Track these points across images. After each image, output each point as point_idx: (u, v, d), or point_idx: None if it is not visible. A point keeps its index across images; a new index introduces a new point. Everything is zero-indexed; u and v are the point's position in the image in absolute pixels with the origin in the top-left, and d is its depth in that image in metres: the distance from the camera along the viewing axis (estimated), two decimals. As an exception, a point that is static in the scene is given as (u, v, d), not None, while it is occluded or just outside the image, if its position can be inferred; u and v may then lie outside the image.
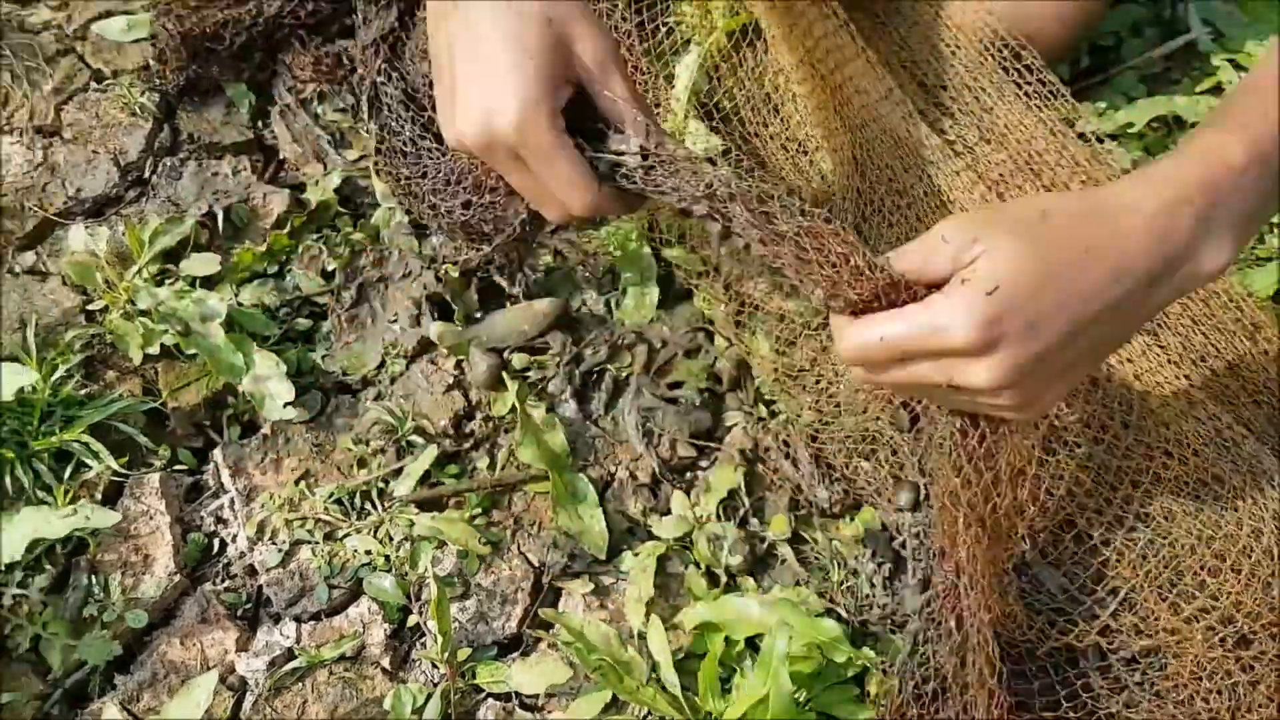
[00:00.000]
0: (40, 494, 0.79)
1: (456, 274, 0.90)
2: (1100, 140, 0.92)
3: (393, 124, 0.94)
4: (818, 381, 0.88)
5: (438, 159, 0.86)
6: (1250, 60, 1.02)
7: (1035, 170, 0.89)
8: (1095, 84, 1.05)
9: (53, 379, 0.81)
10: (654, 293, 0.92)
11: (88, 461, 0.80)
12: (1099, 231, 0.62)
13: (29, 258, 0.89)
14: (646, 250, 0.93)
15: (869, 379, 0.66)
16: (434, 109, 0.92)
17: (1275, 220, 0.92)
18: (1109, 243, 0.61)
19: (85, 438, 0.80)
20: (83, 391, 0.82)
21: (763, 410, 0.88)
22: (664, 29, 1.00)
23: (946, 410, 0.67)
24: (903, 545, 0.82)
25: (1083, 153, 0.91)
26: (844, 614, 0.79)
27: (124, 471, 0.80)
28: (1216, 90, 1.02)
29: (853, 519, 0.83)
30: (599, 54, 0.66)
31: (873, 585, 0.80)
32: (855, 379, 0.80)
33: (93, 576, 0.77)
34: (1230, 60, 1.02)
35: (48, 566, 0.77)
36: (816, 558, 0.82)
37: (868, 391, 0.84)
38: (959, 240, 0.60)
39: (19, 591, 0.75)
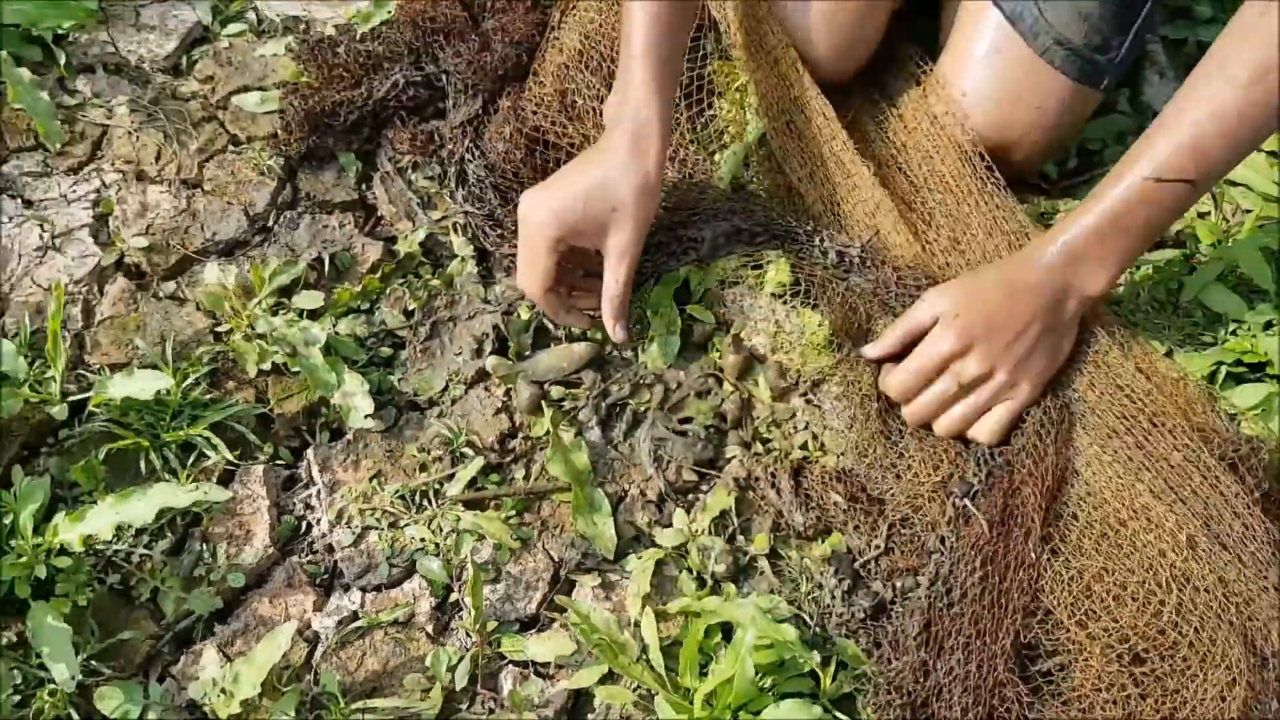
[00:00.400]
0: (167, 476, 0.99)
1: (526, 315, 1.09)
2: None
3: (475, 191, 1.14)
4: (806, 425, 1.04)
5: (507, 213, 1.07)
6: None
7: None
8: (1080, 183, 1.20)
9: (184, 385, 1.01)
10: (675, 342, 1.09)
11: (207, 452, 1.00)
12: (1014, 275, 0.98)
13: (170, 286, 1.10)
14: (673, 308, 1.10)
15: (915, 414, 1.00)
16: (510, 181, 1.13)
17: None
18: (1021, 281, 0.97)
19: (206, 433, 1.00)
20: (207, 396, 1.03)
21: (758, 446, 1.04)
22: (709, 119, 1.19)
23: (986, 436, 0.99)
24: (862, 566, 0.97)
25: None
26: (808, 620, 0.95)
27: (235, 462, 1.00)
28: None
29: (823, 542, 0.99)
30: (620, 248, 0.98)
31: (833, 598, 0.96)
32: (909, 420, 1.02)
33: (204, 544, 0.97)
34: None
35: (169, 534, 0.97)
36: (789, 572, 0.98)
37: (862, 439, 1.01)
38: (931, 300, 0.98)
39: (144, 552, 0.95)
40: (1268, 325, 1.06)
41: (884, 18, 1.14)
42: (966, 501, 0.96)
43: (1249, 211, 1.14)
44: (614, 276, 0.98)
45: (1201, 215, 1.15)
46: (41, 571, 0.91)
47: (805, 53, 1.11)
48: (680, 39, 1.01)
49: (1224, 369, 1.04)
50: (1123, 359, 1.01)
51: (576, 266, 1.05)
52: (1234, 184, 1.16)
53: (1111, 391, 1.00)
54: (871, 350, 1.02)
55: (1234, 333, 1.07)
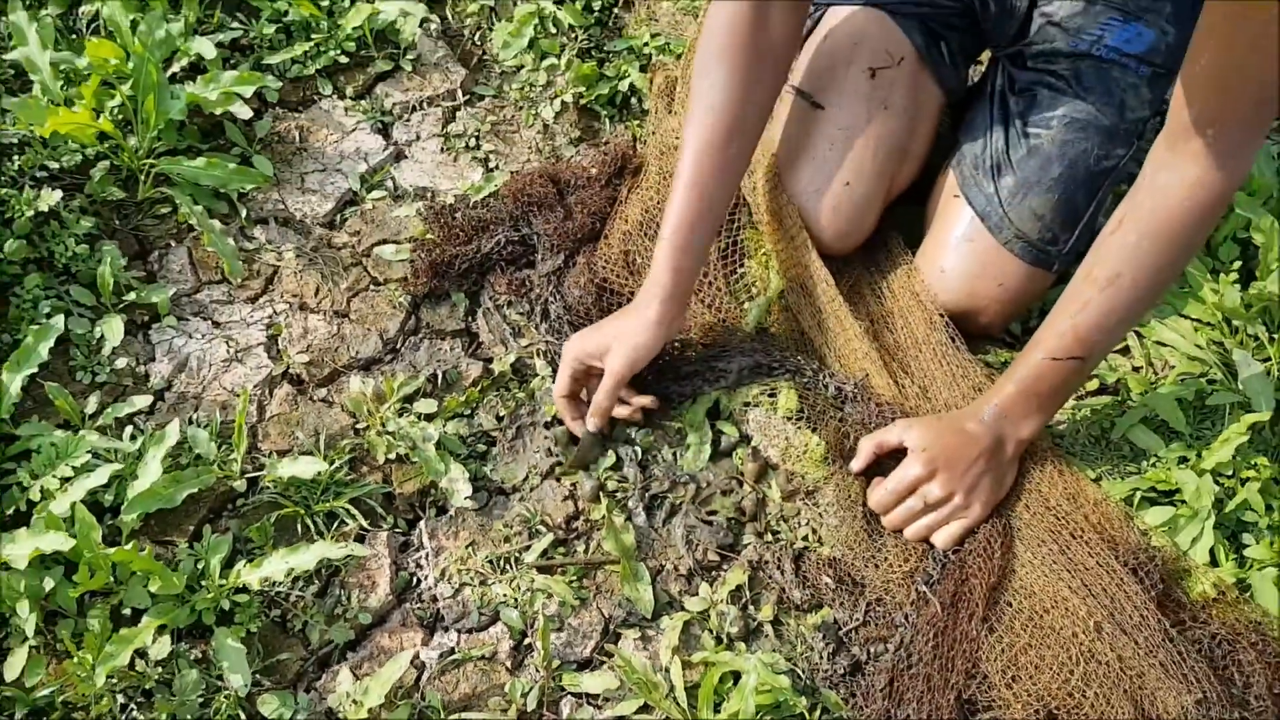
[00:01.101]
0: (316, 536, 1.30)
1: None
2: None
3: (555, 325, 1.47)
4: (807, 522, 1.33)
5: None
6: (1153, 334, 1.45)
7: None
8: (1038, 338, 1.49)
9: (331, 468, 1.34)
10: (706, 450, 1.39)
11: (346, 520, 1.32)
12: (964, 424, 1.28)
13: (323, 392, 1.43)
14: (705, 422, 1.41)
15: (891, 522, 1.30)
16: (582, 319, 1.45)
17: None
18: (969, 429, 1.27)
19: (346, 505, 1.31)
20: (348, 477, 1.35)
21: (769, 536, 1.33)
22: (740, 275, 1.51)
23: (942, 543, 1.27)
24: (844, 634, 1.25)
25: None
26: (800, 673, 1.23)
27: (366, 528, 1.31)
28: (1126, 351, 1.46)
29: (815, 613, 1.27)
30: (612, 369, 1.31)
31: (821, 657, 1.24)
32: (887, 525, 1.30)
33: (342, 590, 1.28)
34: (1136, 332, 1.45)
35: (316, 581, 1.28)
36: (788, 635, 1.26)
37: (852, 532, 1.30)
38: (900, 428, 1.29)
39: (299, 594, 1.26)
40: (1181, 460, 1.34)
41: (880, 208, 1.45)
42: (926, 589, 1.24)
43: (1174, 367, 1.42)
44: (602, 388, 1.32)
45: (1136, 369, 1.44)
46: (225, 605, 1.22)
47: (814, 233, 1.43)
48: (702, 229, 1.31)
49: (1139, 494, 1.31)
50: (1054, 485, 1.29)
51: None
52: (1163, 345, 1.44)
53: (1042, 511, 1.27)
54: (855, 465, 1.31)
55: (1153, 465, 1.34)
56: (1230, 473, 1.31)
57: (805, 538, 1.32)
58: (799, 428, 1.37)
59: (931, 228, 1.45)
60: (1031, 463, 1.31)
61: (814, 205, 1.43)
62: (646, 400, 1.38)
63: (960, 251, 1.40)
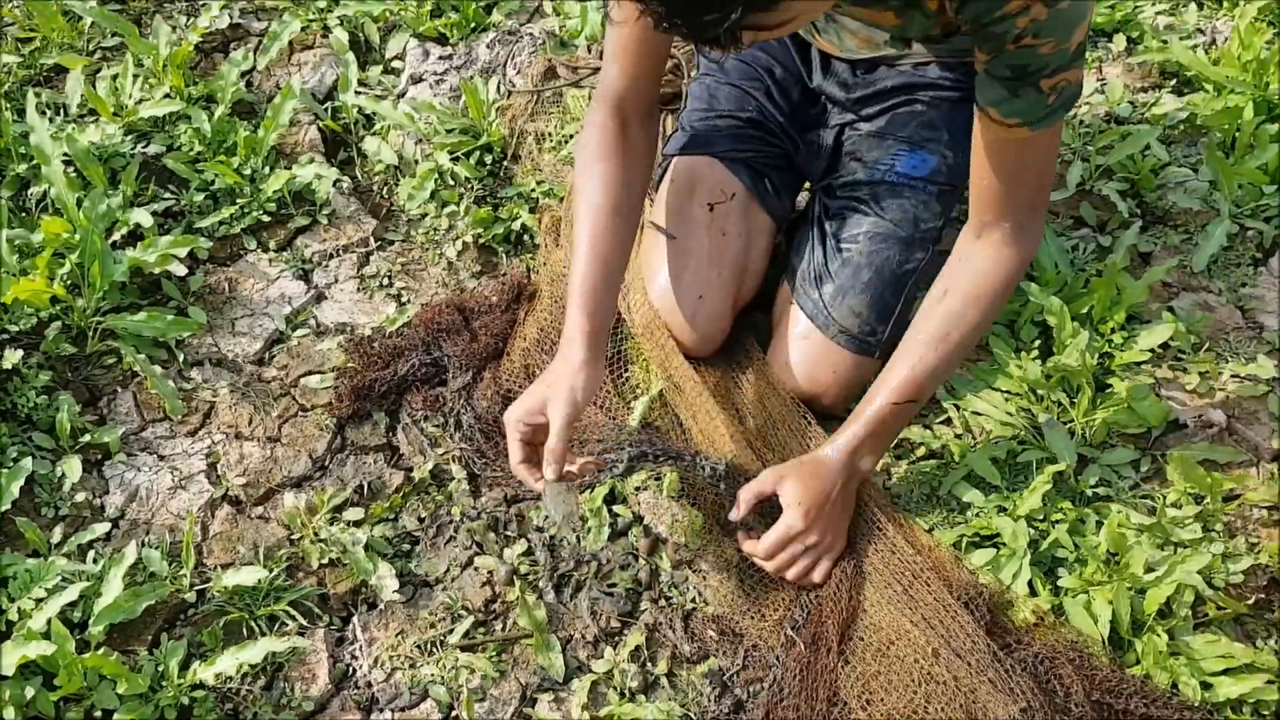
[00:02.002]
0: (262, 635, 1.48)
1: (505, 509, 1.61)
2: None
3: (467, 434, 1.68)
4: (693, 586, 1.54)
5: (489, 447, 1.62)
6: (970, 405, 1.71)
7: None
8: (880, 414, 1.74)
9: (271, 575, 1.52)
10: (605, 531, 1.60)
11: (286, 621, 1.49)
12: (818, 467, 1.50)
13: (259, 509, 1.62)
14: (603, 508, 1.62)
15: (776, 567, 1.50)
16: (490, 426, 1.67)
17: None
18: (824, 469, 1.49)
19: (286, 607, 1.49)
20: (287, 583, 1.53)
21: (662, 601, 1.54)
22: (626, 379, 1.74)
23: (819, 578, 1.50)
24: (727, 678, 1.45)
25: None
26: (692, 716, 1.42)
27: (306, 626, 1.49)
28: (948, 421, 1.72)
29: (703, 663, 1.47)
30: (559, 417, 1.44)
31: (709, 700, 1.44)
32: (772, 571, 1.51)
33: (285, 682, 1.45)
34: (956, 405, 1.72)
35: (262, 675, 1.45)
36: (681, 685, 1.46)
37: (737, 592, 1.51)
38: (772, 476, 1.51)
39: (248, 688, 1.43)
40: (999, 509, 1.58)
41: (730, 316, 1.70)
42: (792, 632, 1.45)
43: (989, 432, 1.68)
44: (552, 436, 1.42)
45: (958, 436, 1.69)
46: (185, 700, 1.39)
47: (678, 340, 1.67)
48: (606, 289, 1.51)
49: (966, 540, 1.55)
50: (896, 534, 1.53)
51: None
52: (979, 414, 1.70)
53: (887, 555, 1.50)
54: (734, 515, 1.52)
55: (976, 515, 1.59)
56: (1042, 516, 1.56)
57: (693, 599, 1.53)
58: (682, 505, 1.59)
59: (776, 330, 1.71)
60: (878, 518, 1.54)
61: (675, 318, 1.68)
62: (588, 461, 1.52)
63: (799, 348, 1.65)
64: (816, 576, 1.50)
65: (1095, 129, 2.09)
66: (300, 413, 1.74)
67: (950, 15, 1.26)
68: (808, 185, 1.86)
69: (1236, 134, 2.03)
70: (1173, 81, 2.21)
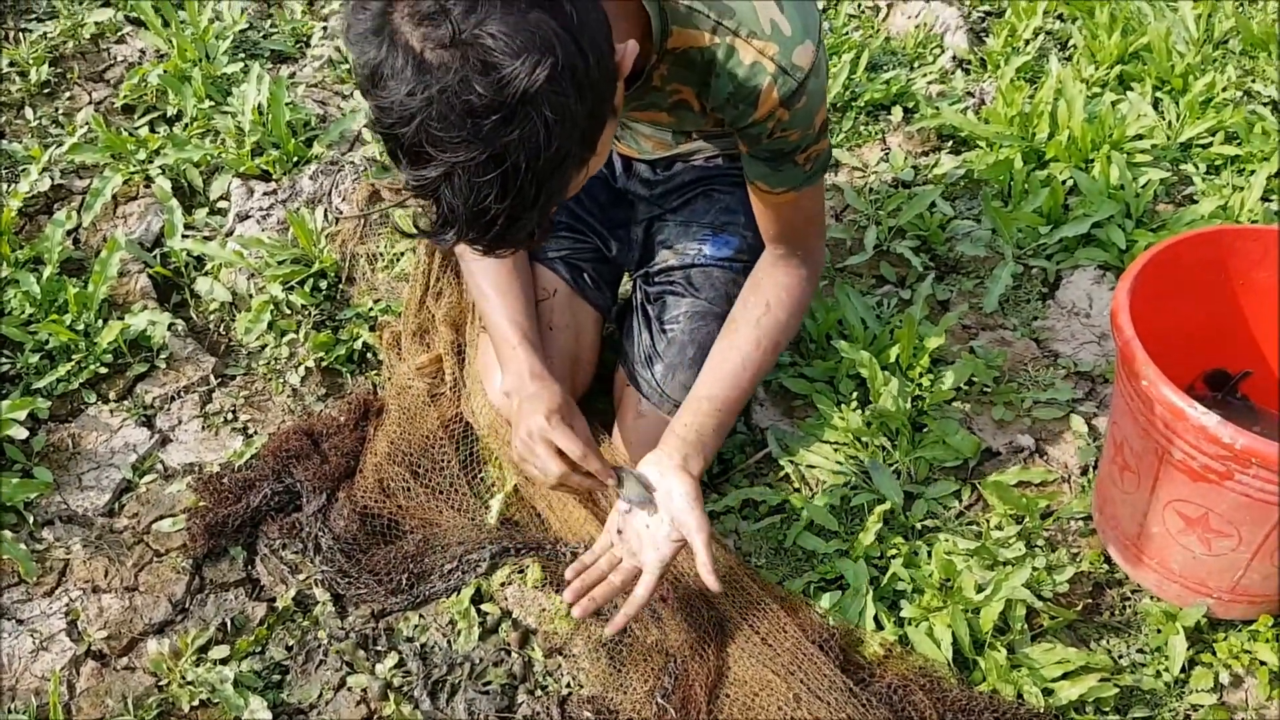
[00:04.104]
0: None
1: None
2: (712, 517, 1.72)
3: (327, 556, 1.70)
4: (566, 671, 1.59)
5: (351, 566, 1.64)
6: (804, 460, 1.83)
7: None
8: (720, 481, 1.85)
9: (142, 725, 1.51)
10: (476, 630, 1.64)
11: (162, 768, 1.48)
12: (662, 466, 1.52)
13: (124, 660, 1.61)
14: (471, 608, 1.66)
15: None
16: (350, 545, 1.70)
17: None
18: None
19: (161, 754, 1.49)
20: (158, 729, 1.52)
21: (538, 691, 1.58)
22: (482, 479, 1.80)
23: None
24: (606, 754, 1.50)
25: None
26: (577, 797, 1.46)
27: (182, 770, 1.48)
28: (786, 478, 1.83)
29: (582, 744, 1.52)
30: (579, 430, 1.53)
31: (591, 778, 1.48)
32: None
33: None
34: (791, 461, 1.83)
35: (142, 829, 1.43)
36: (562, 769, 1.50)
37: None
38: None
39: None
40: (840, 553, 1.69)
41: (574, 401, 1.80)
42: (662, 700, 1.52)
43: (823, 482, 1.80)
44: (565, 443, 1.49)
45: (796, 490, 1.80)
46: None
47: None
48: (528, 314, 1.65)
49: (813, 585, 1.65)
50: (752, 588, 1.61)
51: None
52: (812, 467, 1.82)
53: (745, 611, 1.59)
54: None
55: (821, 561, 1.69)
56: (879, 554, 1.68)
57: (567, 684, 1.58)
58: (548, 593, 1.65)
59: (618, 412, 1.81)
60: (736, 575, 1.62)
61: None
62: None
63: (640, 426, 1.75)
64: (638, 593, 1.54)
65: (884, 194, 2.28)
66: (155, 558, 1.74)
67: (712, 115, 1.43)
68: (628, 275, 1.97)
69: (1010, 184, 2.25)
70: (949, 143, 2.43)
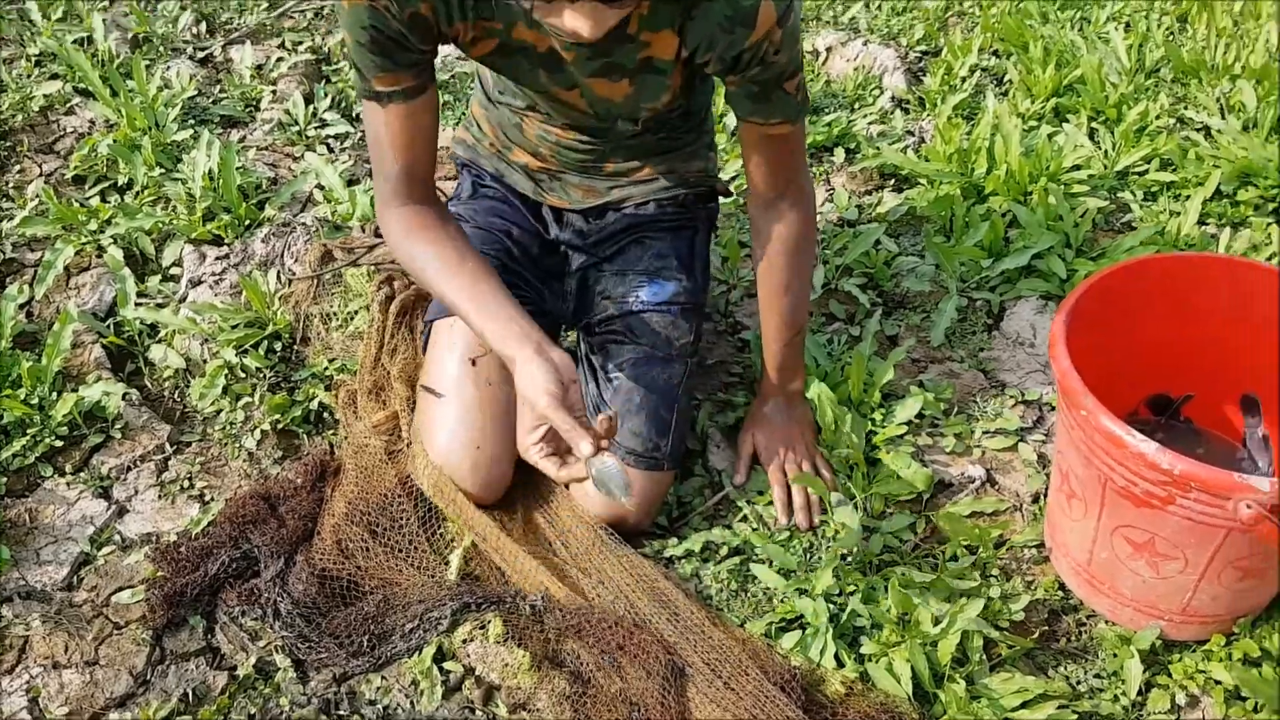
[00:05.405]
0: None
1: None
2: (672, 561, 1.73)
3: (287, 621, 1.70)
4: (529, 725, 1.59)
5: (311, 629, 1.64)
6: (762, 500, 1.85)
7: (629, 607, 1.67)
8: (679, 525, 1.86)
9: (103, 802, 1.49)
10: (439, 689, 1.63)
11: (124, 845, 1.47)
12: (767, 415, 1.91)
13: (85, 736, 1.60)
14: (433, 666, 1.66)
15: (800, 511, 1.84)
16: (310, 609, 1.70)
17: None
18: (772, 414, 1.92)
19: (123, 831, 1.47)
20: (120, 806, 1.50)
21: (502, 748, 1.58)
22: (440, 534, 1.81)
23: None
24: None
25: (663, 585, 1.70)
26: None
27: (145, 847, 1.47)
28: (745, 519, 1.84)
29: (549, 799, 1.52)
30: (549, 406, 1.50)
31: (559, 833, 1.48)
32: (801, 519, 1.82)
33: None
34: (748, 501, 1.85)
35: None
36: (530, 824, 1.50)
37: None
38: (745, 441, 1.94)
39: None
40: (799, 591, 1.71)
41: (509, 459, 1.78)
42: (628, 748, 1.52)
43: (778, 519, 1.82)
44: (558, 426, 1.50)
45: (755, 529, 1.82)
46: None
47: (464, 491, 1.75)
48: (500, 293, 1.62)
49: (774, 626, 1.66)
50: (714, 632, 1.62)
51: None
52: (770, 504, 1.84)
53: (707, 654, 1.59)
54: (739, 480, 1.90)
55: (780, 601, 1.71)
56: (838, 591, 1.69)
57: (531, 739, 1.58)
58: (509, 648, 1.65)
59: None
60: (696, 619, 1.63)
61: (458, 471, 1.76)
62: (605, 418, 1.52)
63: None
64: (826, 474, 1.87)
65: (830, 234, 2.32)
66: (115, 631, 1.72)
67: (680, 69, 1.55)
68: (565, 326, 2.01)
69: (952, 219, 2.30)
70: (891, 181, 2.49)
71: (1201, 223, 2.40)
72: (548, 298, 1.93)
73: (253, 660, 1.68)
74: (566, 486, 1.80)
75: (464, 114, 2.17)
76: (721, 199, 2.05)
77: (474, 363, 1.78)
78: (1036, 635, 1.65)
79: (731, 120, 2.61)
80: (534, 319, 1.86)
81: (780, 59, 1.51)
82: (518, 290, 1.87)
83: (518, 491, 1.84)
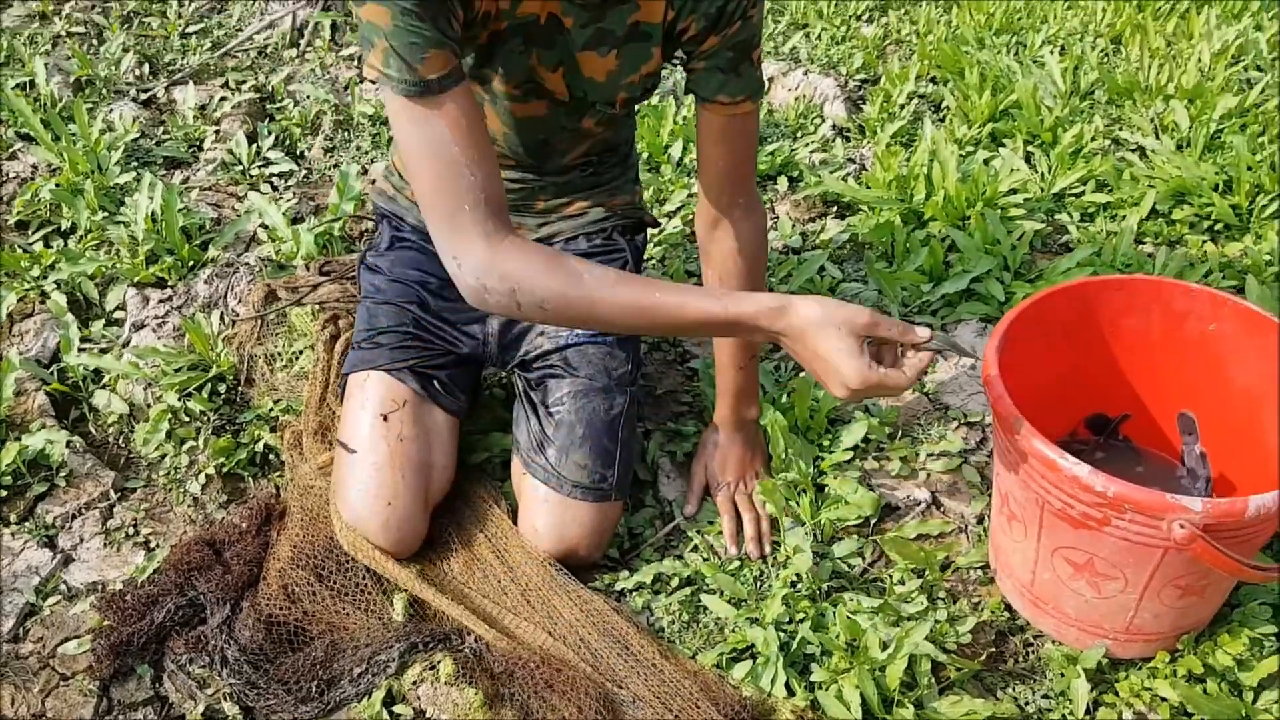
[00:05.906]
0: None
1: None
2: (623, 594, 1.73)
3: (235, 668, 1.68)
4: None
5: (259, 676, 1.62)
6: (711, 530, 1.86)
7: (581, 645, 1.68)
8: (630, 556, 1.87)
9: None
10: (390, 734, 1.63)
11: None
12: (723, 446, 1.94)
13: (28, 793, 1.57)
14: (384, 710, 1.65)
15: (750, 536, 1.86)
16: (257, 655, 1.68)
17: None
18: (727, 444, 1.94)
19: None
20: None
21: (454, 789, 1.57)
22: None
23: None
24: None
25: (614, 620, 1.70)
26: None
27: None
28: (696, 548, 1.85)
29: (502, 839, 1.51)
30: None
31: None
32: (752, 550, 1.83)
33: None
34: (698, 531, 1.86)
35: None
36: None
37: None
38: (697, 472, 1.98)
39: None
40: (750, 621, 1.71)
41: (424, 513, 1.77)
42: (580, 785, 1.52)
43: (728, 549, 1.83)
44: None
45: (705, 560, 1.83)
46: None
47: (380, 547, 1.75)
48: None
49: (725, 657, 1.67)
50: (664, 665, 1.62)
51: None
52: (720, 534, 1.85)
53: (658, 688, 1.60)
54: (689, 510, 1.91)
55: (731, 631, 1.71)
56: (788, 619, 1.70)
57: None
58: (459, 687, 1.64)
59: (519, 501, 1.83)
60: (647, 653, 1.63)
61: (370, 527, 1.75)
62: None
63: (542, 511, 1.76)
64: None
65: (775, 261, 2.35)
66: (62, 682, 1.70)
67: (671, 21, 1.54)
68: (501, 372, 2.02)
69: (893, 244, 2.33)
70: (834, 208, 2.52)
71: (1139, 242, 2.45)
72: (465, 343, 1.91)
73: (201, 708, 1.66)
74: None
75: (387, 164, 2.16)
76: (650, 230, 2.06)
77: (385, 419, 1.78)
78: (984, 657, 1.67)
79: (675, 151, 2.64)
80: (450, 370, 1.88)
81: (755, 16, 1.53)
82: (431, 342, 1.89)
83: (461, 530, 1.84)
